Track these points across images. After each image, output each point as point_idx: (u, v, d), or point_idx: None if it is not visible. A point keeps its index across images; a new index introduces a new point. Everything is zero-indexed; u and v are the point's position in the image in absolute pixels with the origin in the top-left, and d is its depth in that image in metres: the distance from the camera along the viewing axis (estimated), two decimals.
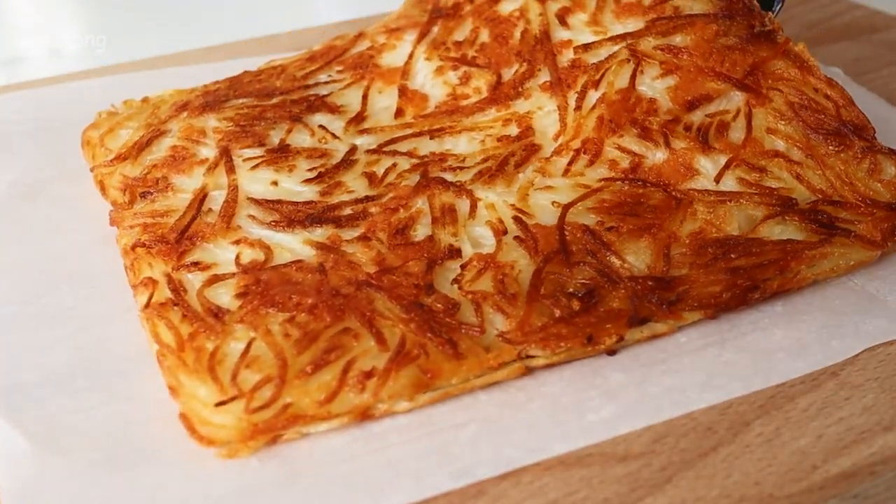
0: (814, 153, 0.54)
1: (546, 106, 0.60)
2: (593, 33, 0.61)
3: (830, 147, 0.54)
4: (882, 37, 0.81)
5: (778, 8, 0.65)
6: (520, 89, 0.61)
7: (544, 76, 0.61)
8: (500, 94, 0.62)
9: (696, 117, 0.56)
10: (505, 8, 0.66)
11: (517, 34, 0.64)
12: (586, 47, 0.60)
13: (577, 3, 0.63)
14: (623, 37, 0.60)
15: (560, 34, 0.63)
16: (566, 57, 0.61)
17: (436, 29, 0.67)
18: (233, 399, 0.42)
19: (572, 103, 0.59)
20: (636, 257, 0.50)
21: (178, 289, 0.48)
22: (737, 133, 0.55)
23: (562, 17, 0.63)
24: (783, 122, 0.55)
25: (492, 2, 0.67)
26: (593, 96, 0.58)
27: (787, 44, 0.58)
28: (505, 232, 0.52)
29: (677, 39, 0.58)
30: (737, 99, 0.56)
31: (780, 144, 0.55)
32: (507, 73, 0.63)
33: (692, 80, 0.57)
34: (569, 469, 0.42)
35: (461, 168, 0.57)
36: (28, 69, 0.88)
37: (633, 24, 0.61)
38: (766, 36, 0.58)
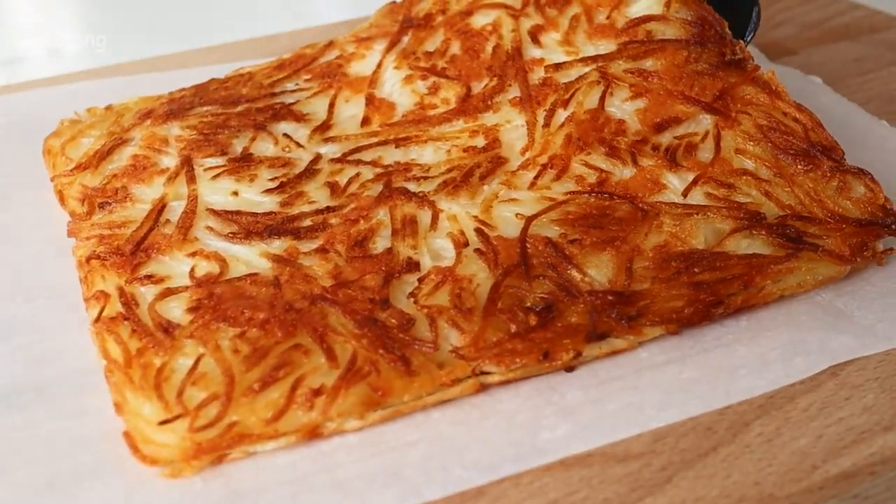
0: (782, 172, 0.53)
1: (514, 120, 0.59)
2: (565, 53, 0.61)
3: (799, 166, 0.53)
4: (882, 37, 0.81)
5: (750, 37, 0.65)
6: (489, 103, 0.61)
7: (514, 92, 0.61)
8: (468, 106, 0.61)
9: (665, 139, 0.56)
10: (477, 21, 0.65)
11: (489, 48, 0.63)
12: (557, 66, 0.60)
13: (551, 22, 0.63)
14: (594, 59, 0.59)
15: (532, 52, 0.62)
16: (537, 75, 0.61)
17: (406, 38, 0.66)
18: (177, 417, 0.41)
19: (541, 120, 0.58)
20: (598, 271, 0.49)
21: (129, 302, 0.47)
22: (705, 153, 0.55)
23: (534, 35, 0.63)
24: (752, 143, 0.54)
25: (464, 14, 0.66)
26: (562, 115, 0.58)
27: (756, 71, 0.58)
28: (466, 244, 0.51)
29: (648, 63, 0.58)
30: (706, 122, 0.56)
31: (749, 164, 0.54)
32: (477, 87, 0.62)
33: (661, 103, 0.57)
34: (569, 469, 0.41)
35: (425, 178, 0.56)
36: (28, 69, 0.87)
37: (605, 46, 0.61)
38: (736, 64, 0.58)
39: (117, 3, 1.04)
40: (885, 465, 0.41)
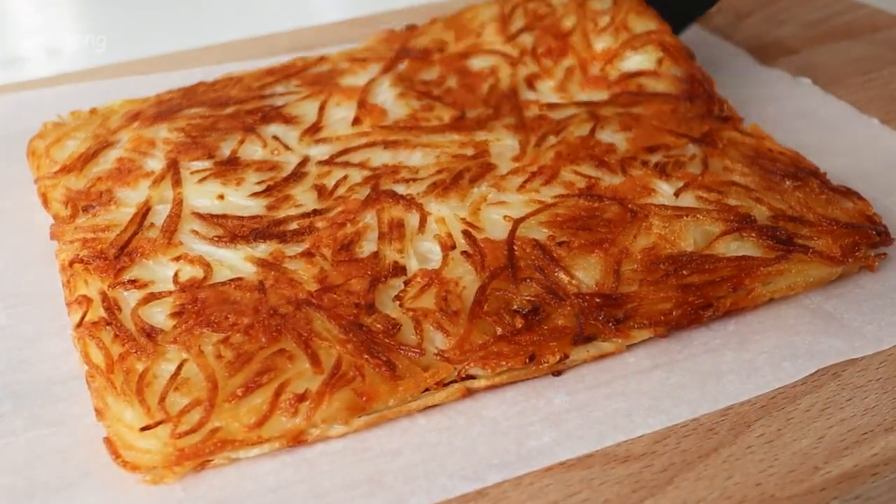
0: (772, 188, 0.54)
1: (506, 140, 0.60)
2: (559, 98, 0.63)
3: (788, 183, 0.54)
4: (884, 36, 0.80)
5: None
6: (483, 125, 0.61)
7: (508, 121, 0.61)
8: (461, 124, 0.61)
9: (654, 158, 0.57)
10: (475, 64, 0.66)
11: (485, 87, 0.65)
12: (551, 106, 0.62)
13: (546, 71, 0.65)
14: (587, 104, 0.62)
15: (527, 95, 0.64)
16: (532, 112, 0.62)
17: (402, 66, 0.67)
18: (159, 423, 0.41)
19: (532, 141, 0.59)
20: (585, 273, 0.48)
21: (112, 307, 0.47)
22: (694, 169, 0.56)
23: (530, 82, 0.65)
24: (740, 164, 0.55)
25: (462, 56, 0.67)
26: (553, 140, 0.59)
27: (740, 122, 0.60)
28: (453, 247, 0.50)
29: (637, 110, 0.60)
30: (693, 149, 0.57)
31: (738, 179, 0.54)
32: (472, 113, 0.62)
33: (650, 135, 0.58)
34: (569, 470, 0.41)
35: (414, 180, 0.55)
36: (28, 69, 0.86)
37: (598, 96, 0.63)
38: (722, 120, 0.60)
39: (117, 3, 1.03)
40: (887, 466, 0.41)
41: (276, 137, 0.60)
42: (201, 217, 0.53)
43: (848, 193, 0.53)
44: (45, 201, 0.57)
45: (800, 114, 0.67)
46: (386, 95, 0.64)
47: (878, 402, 0.44)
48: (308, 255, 0.50)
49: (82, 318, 0.47)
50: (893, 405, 0.44)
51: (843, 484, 0.40)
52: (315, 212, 0.53)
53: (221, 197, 0.55)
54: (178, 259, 0.50)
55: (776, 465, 0.41)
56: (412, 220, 0.52)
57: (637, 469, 0.41)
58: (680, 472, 0.41)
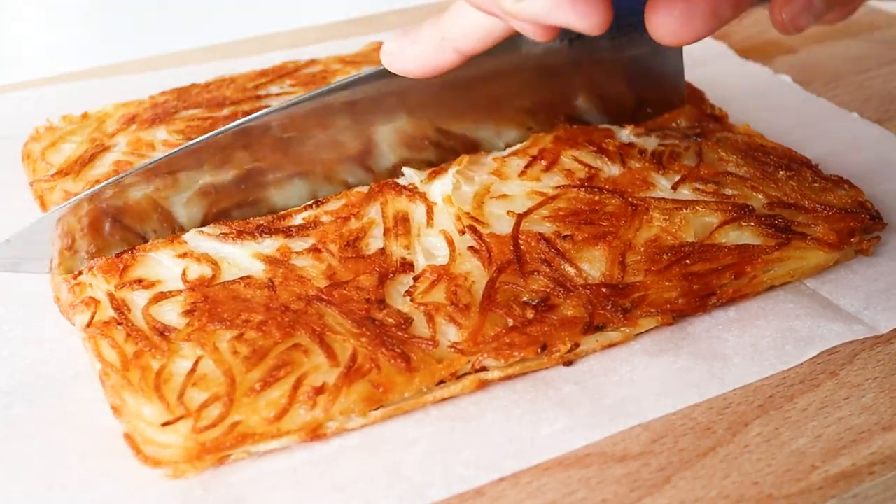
0: (766, 177, 0.55)
1: None
2: None
3: (781, 172, 0.55)
4: (883, 34, 0.81)
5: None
6: None
7: None
8: None
9: (651, 143, 0.58)
10: None
11: None
12: None
13: None
14: None
15: None
16: None
17: None
18: (180, 418, 0.41)
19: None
20: (591, 265, 0.49)
21: (120, 307, 0.47)
22: (689, 161, 0.57)
23: None
24: (735, 156, 0.57)
25: None
26: None
27: (731, 127, 0.62)
28: (462, 232, 0.51)
29: None
30: (688, 140, 0.59)
31: (733, 169, 0.56)
32: None
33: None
34: (567, 469, 0.41)
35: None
36: (27, 69, 0.85)
37: None
38: (713, 118, 0.62)
39: (117, 3, 1.02)
40: (884, 465, 0.41)
41: None
42: None
43: (840, 182, 0.55)
44: (42, 204, 0.57)
45: (782, 110, 0.69)
46: None
47: (876, 401, 0.44)
48: (315, 251, 0.50)
49: (91, 318, 0.47)
50: (891, 404, 0.44)
51: (841, 483, 0.40)
52: (317, 202, 0.54)
53: None
54: (183, 256, 0.50)
55: (773, 465, 0.41)
56: (417, 212, 0.53)
57: (634, 468, 0.41)
58: (677, 472, 0.41)
